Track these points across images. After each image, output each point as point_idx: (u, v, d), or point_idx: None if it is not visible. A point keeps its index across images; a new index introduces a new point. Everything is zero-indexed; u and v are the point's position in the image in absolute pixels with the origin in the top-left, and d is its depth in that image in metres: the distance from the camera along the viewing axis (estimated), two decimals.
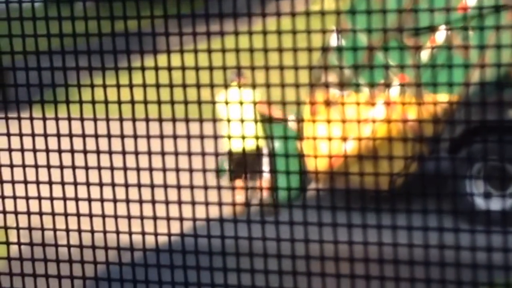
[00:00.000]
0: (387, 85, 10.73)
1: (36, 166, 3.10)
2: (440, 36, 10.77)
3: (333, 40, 11.17)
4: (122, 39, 2.89)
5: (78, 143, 3.04)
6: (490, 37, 10.10)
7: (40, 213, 3.16)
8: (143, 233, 2.96)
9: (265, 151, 11.16)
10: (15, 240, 3.53)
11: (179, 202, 2.95)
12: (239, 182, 11.37)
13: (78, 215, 3.09)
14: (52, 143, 3.07)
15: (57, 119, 3.08)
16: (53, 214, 3.13)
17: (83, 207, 3.11)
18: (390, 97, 10.75)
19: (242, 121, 2.93)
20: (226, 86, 3.32)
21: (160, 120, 2.90)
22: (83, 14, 3.03)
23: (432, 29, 10.60)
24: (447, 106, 10.29)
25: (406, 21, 10.45)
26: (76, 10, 3.24)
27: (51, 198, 3.05)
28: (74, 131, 3.06)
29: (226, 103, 3.03)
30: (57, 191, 3.11)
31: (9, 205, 3.26)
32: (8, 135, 3.16)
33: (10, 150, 3.19)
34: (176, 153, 2.88)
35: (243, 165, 10.91)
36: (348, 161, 10.44)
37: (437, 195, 3.40)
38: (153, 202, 2.95)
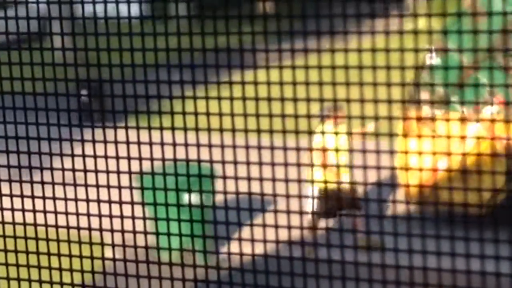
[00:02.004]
0: (483, 105, 10.60)
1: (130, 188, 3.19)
2: None
3: (427, 59, 11.10)
4: (223, 54, 2.97)
5: (180, 153, 3.13)
6: None
7: (134, 231, 3.26)
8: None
9: (359, 189, 10.92)
10: (110, 255, 3.64)
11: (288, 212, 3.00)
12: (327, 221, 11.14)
13: (168, 234, 3.17)
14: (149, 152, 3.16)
15: (161, 128, 3.18)
16: (145, 233, 3.23)
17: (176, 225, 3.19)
18: (485, 117, 10.60)
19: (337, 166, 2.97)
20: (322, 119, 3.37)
21: (260, 131, 2.97)
22: (179, 30, 3.12)
23: None
24: None
25: (502, 42, 10.30)
26: (170, 25, 3.35)
27: (144, 218, 3.15)
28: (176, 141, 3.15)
29: (324, 150, 3.08)
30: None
31: (106, 222, 3.37)
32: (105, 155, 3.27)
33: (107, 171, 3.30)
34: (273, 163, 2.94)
35: (338, 203, 10.81)
36: (440, 179, 10.36)
37: None
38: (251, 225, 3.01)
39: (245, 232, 8.63)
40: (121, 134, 3.23)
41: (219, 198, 10.68)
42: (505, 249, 3.10)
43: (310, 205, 10.73)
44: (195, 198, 9.41)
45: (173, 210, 3.20)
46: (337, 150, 10.40)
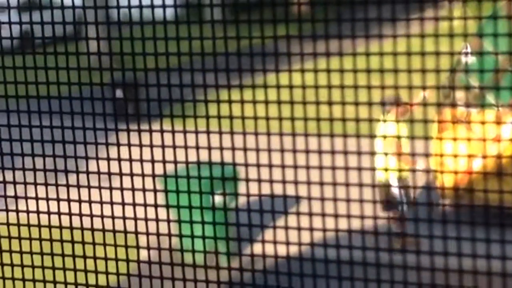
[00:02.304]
0: None
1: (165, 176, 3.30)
2: None
3: (463, 58, 11.12)
4: (246, 57, 3.07)
5: (203, 155, 3.24)
6: None
7: (168, 221, 3.38)
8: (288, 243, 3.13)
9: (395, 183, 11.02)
10: (144, 245, 3.75)
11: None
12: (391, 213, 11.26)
13: (202, 222, 3.28)
14: (180, 154, 3.27)
15: (184, 132, 3.29)
16: (179, 221, 3.34)
17: (211, 215, 3.30)
18: None
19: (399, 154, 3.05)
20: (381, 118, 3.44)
21: (294, 134, 3.06)
22: (214, 33, 3.23)
23: None
24: None
25: None
26: (204, 28, 3.45)
27: (178, 206, 3.26)
28: (200, 144, 3.27)
29: (384, 137, 3.17)
30: (184, 199, 3.30)
31: (140, 212, 3.49)
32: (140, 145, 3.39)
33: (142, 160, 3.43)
34: (321, 167, 3.04)
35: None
36: (475, 179, 10.38)
37: None
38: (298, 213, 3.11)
39: (277, 233, 8.71)
40: (154, 136, 3.34)
41: (243, 200, 10.78)
42: None
43: (397, 194, 10.87)
44: (219, 200, 9.47)
45: (197, 212, 3.30)
46: (399, 138, 10.49)
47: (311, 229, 3.19)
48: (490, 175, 10.01)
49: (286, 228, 3.21)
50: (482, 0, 2.83)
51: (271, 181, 3.25)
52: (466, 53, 10.99)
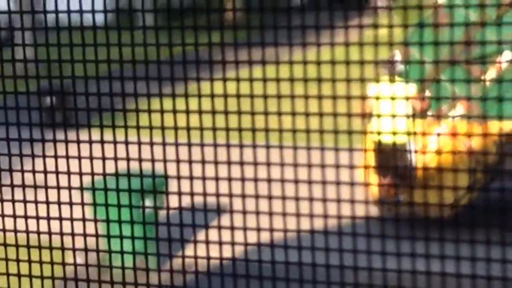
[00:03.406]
0: (447, 109, 10.80)
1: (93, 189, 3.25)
2: (504, 63, 10.81)
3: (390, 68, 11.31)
4: (179, 64, 3.05)
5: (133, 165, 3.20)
6: None
7: (96, 235, 3.32)
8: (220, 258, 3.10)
9: (412, 147, 10.76)
10: (71, 260, 3.69)
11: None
12: (384, 179, 11.03)
13: (132, 237, 3.23)
14: (108, 166, 3.23)
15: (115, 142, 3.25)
16: (108, 236, 3.29)
17: (138, 230, 3.26)
18: (453, 124, 10.81)
19: (393, 116, 3.05)
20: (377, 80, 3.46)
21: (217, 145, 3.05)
22: (142, 38, 3.20)
23: (496, 52, 10.64)
24: (510, 133, 10.35)
25: (471, 49, 10.52)
26: (135, 34, 3.41)
27: (107, 221, 3.20)
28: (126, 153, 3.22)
29: (377, 98, 3.17)
30: (114, 213, 3.26)
31: (66, 226, 3.43)
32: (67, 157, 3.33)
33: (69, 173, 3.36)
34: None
35: (391, 160, 10.72)
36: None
37: (501, 223, 3.47)
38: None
39: (208, 235, 8.70)
40: (82, 146, 3.29)
41: (172, 206, 10.79)
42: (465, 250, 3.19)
43: (411, 158, 10.65)
44: (149, 204, 9.54)
45: (126, 216, 3.26)
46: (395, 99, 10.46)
47: (248, 228, 3.17)
48: (417, 187, 10.16)
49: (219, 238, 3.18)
50: (408, 8, 2.85)
51: (204, 194, 3.22)
52: (395, 62, 11.16)
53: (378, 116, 3.07)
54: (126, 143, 3.27)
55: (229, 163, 2.75)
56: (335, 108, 2.95)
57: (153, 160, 3.12)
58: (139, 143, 3.24)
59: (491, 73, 10.79)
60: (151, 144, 3.24)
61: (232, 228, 2.80)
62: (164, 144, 3.20)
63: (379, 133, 9.62)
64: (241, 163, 2.69)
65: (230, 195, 2.71)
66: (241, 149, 2.73)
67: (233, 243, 2.81)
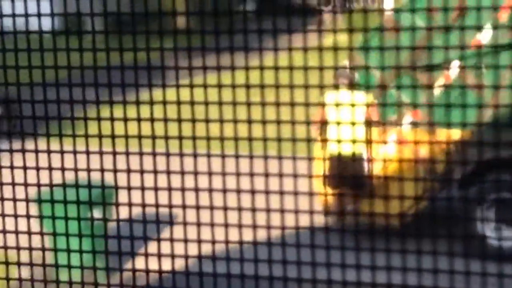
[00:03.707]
0: (399, 121, 10.89)
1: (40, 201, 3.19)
2: (453, 72, 10.95)
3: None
4: (130, 71, 2.99)
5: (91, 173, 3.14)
6: (504, 74, 10.11)
7: (43, 249, 3.25)
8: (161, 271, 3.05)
9: (365, 156, 10.82)
10: (16, 275, 3.61)
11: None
12: (337, 189, 11.02)
13: (80, 251, 3.18)
14: (56, 175, 3.17)
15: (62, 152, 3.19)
16: (55, 250, 3.22)
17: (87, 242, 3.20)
18: (402, 133, 10.90)
19: (352, 124, 3.03)
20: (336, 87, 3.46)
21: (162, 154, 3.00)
22: (91, 44, 3.14)
23: (445, 65, 10.77)
24: (459, 142, 10.46)
25: (420, 57, 10.63)
26: (84, 40, 3.36)
27: (54, 234, 3.14)
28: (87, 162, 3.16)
29: (337, 105, 3.14)
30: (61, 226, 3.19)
31: (11, 239, 3.36)
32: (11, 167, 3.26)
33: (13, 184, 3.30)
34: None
35: (344, 169, 10.73)
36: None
37: (448, 232, 3.47)
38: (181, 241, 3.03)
39: (152, 247, 8.59)
40: (28, 156, 3.23)
41: (123, 215, 10.72)
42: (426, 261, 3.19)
43: (365, 167, 10.69)
44: (97, 215, 9.46)
45: (74, 228, 3.20)
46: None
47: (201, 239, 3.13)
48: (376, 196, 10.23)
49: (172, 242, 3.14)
50: (367, 11, 2.85)
51: (156, 205, 3.18)
52: (351, 70, 11.23)
53: (337, 123, 3.05)
54: (74, 152, 3.22)
55: (182, 173, 2.71)
56: (293, 115, 2.92)
57: (102, 170, 3.06)
58: (88, 153, 3.18)
59: (440, 82, 10.91)
60: (101, 153, 3.18)
61: (186, 240, 2.76)
62: (114, 153, 3.14)
63: (333, 142, 9.65)
64: (195, 173, 2.65)
65: (184, 206, 2.67)
66: (195, 158, 2.69)
67: (186, 256, 2.77)
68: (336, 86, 10.37)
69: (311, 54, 2.91)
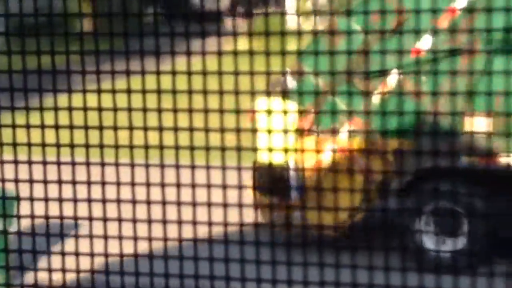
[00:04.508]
0: (337, 129, 11.02)
1: None
2: (392, 80, 11.13)
3: (288, 82, 11.44)
4: (33, 76, 3.02)
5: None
6: (443, 82, 10.42)
7: None
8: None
9: (292, 165, 10.86)
10: None
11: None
12: (265, 198, 11.03)
13: None
14: None
15: None
16: None
17: None
18: (339, 142, 11.02)
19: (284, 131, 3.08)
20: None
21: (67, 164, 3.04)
22: None
23: (384, 72, 10.94)
24: (398, 151, 10.64)
25: (358, 64, 10.80)
26: None
27: None
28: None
29: (267, 111, 3.19)
30: None
31: None
32: None
33: None
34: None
35: (271, 179, 10.75)
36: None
37: (383, 242, 3.57)
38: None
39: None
40: None
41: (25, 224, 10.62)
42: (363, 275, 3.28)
43: (292, 178, 10.71)
44: None
45: None
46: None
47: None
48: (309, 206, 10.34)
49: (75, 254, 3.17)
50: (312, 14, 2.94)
51: (61, 217, 3.20)
52: (285, 79, 11.33)
53: (268, 131, 3.12)
54: None
55: (88, 183, 2.75)
56: (222, 122, 2.99)
57: (3, 180, 3.08)
58: None
59: (379, 89, 11.06)
60: (1, 162, 3.20)
61: (92, 254, 2.80)
62: (16, 162, 3.16)
63: (262, 151, 9.68)
64: (103, 183, 2.69)
65: (90, 219, 2.71)
66: (103, 167, 2.74)
67: (92, 272, 2.81)
68: (268, 93, 10.40)
69: (218, 59, 2.98)
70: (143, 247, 3.30)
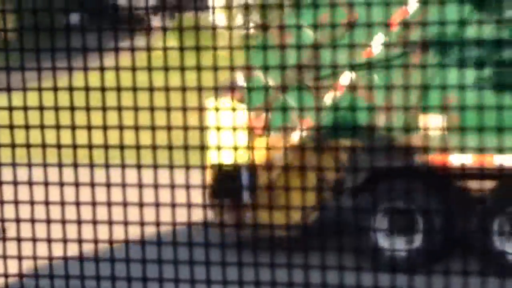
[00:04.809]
0: (290, 129, 10.98)
1: None
2: (345, 81, 11.13)
3: (238, 80, 11.39)
4: None
5: None
6: (396, 81, 10.47)
7: None
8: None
9: (245, 168, 10.87)
10: None
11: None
12: (221, 200, 10.99)
13: None
14: None
15: None
16: None
17: None
18: (292, 142, 11.00)
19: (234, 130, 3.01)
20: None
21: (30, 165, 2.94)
22: None
23: (336, 72, 10.94)
24: (351, 151, 10.65)
25: (309, 64, 10.78)
26: None
27: None
28: None
29: (216, 109, 3.15)
30: None
31: None
32: None
33: None
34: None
35: (226, 180, 10.72)
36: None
37: (337, 242, 3.53)
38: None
39: None
40: None
41: None
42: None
43: (245, 179, 10.69)
44: None
45: None
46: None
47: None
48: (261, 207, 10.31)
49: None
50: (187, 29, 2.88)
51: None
52: (236, 83, 11.30)
53: (217, 129, 3.06)
54: None
55: (15, 183, 2.66)
56: (153, 120, 2.92)
57: None
58: None
59: (331, 90, 11.06)
60: None
61: (20, 258, 2.71)
62: None
63: (214, 150, 9.61)
64: (30, 183, 2.61)
65: (18, 220, 2.62)
66: (30, 168, 2.65)
67: (21, 276, 2.72)
68: (217, 92, 10.34)
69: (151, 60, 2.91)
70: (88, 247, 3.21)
